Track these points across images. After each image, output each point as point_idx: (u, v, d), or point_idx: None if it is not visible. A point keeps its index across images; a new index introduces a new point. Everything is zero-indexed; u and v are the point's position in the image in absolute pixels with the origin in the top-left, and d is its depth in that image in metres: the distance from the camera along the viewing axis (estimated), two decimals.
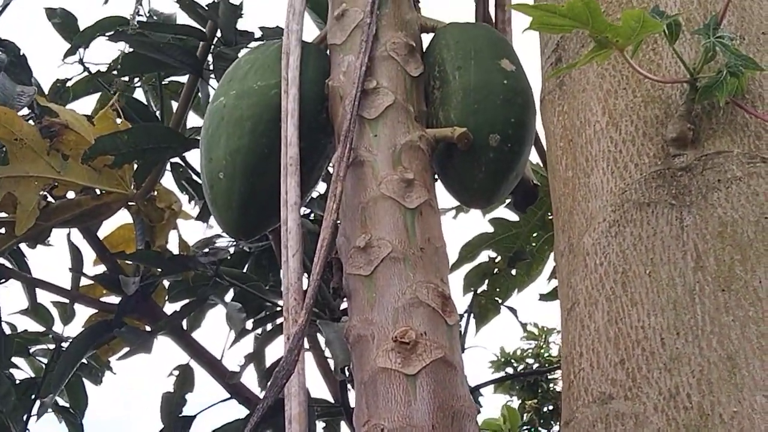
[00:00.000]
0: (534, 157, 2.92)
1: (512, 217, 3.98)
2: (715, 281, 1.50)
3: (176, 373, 3.86)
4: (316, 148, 2.32)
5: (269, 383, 1.74)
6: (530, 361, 7.45)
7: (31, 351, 4.14)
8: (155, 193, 3.65)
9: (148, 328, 3.81)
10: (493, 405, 8.48)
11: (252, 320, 3.78)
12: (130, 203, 3.60)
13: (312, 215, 3.82)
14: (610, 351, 1.54)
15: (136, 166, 3.37)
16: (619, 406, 1.49)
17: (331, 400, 3.90)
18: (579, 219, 1.74)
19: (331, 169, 2.20)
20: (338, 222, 2.07)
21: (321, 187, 3.39)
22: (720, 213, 1.55)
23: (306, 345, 4.06)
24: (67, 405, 4.07)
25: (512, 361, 7.52)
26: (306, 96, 2.27)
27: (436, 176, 2.33)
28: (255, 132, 2.27)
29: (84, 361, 3.92)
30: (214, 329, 4.22)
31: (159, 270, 3.66)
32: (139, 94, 4.07)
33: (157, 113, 3.91)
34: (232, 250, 4.01)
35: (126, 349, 3.79)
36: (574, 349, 1.62)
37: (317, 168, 2.37)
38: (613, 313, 1.57)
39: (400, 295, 1.96)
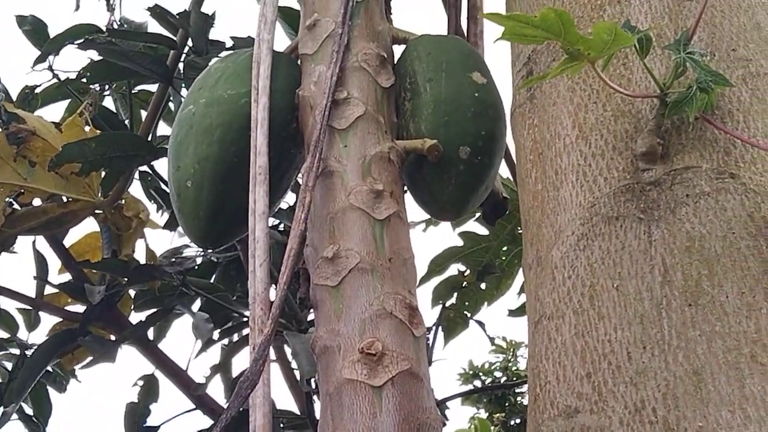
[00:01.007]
0: (504, 170, 2.92)
1: (482, 230, 3.99)
2: (682, 296, 1.50)
3: (141, 383, 3.83)
4: (286, 157, 2.30)
5: (233, 393, 1.73)
6: (498, 374, 7.47)
7: None
8: (123, 201, 3.62)
9: (113, 338, 3.78)
10: (461, 418, 8.47)
11: (218, 330, 3.76)
12: (97, 211, 3.57)
13: (281, 226, 3.80)
14: (577, 364, 1.54)
15: (103, 174, 3.35)
16: (585, 420, 1.48)
17: (298, 412, 3.88)
18: (547, 232, 1.73)
19: (300, 180, 2.19)
20: (306, 232, 2.06)
21: (290, 198, 3.37)
22: (688, 228, 1.56)
23: (273, 356, 4.06)
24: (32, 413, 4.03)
25: (480, 374, 7.54)
26: (276, 105, 2.26)
27: (406, 188, 2.32)
28: (224, 140, 2.26)
29: (49, 369, 3.89)
30: (180, 340, 4.20)
31: (125, 279, 3.63)
32: (108, 103, 4.04)
33: (126, 122, 3.88)
34: (199, 260, 4.00)
35: (90, 359, 3.76)
36: (541, 363, 1.62)
37: (286, 178, 2.35)
38: (580, 326, 1.57)
39: (368, 306, 1.95)
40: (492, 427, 7.00)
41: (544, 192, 1.78)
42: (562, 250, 1.67)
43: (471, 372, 7.54)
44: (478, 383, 7.44)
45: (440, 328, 4.20)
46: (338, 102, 2.20)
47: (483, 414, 7.17)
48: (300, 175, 2.29)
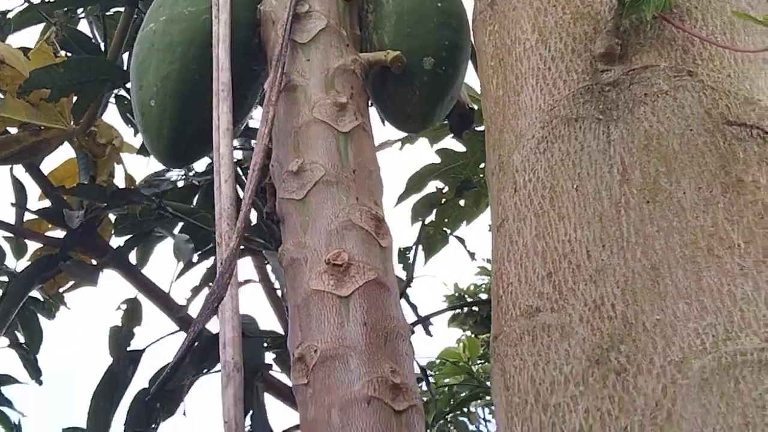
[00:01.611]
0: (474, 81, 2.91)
1: (459, 147, 3.98)
2: (641, 193, 1.50)
3: (124, 307, 3.85)
4: (249, 74, 2.29)
5: (201, 307, 1.74)
6: (484, 296, 7.50)
7: None
8: (96, 128, 3.60)
9: (94, 263, 3.78)
10: (449, 340, 8.55)
11: (199, 253, 3.76)
12: (71, 139, 3.56)
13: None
14: (538, 265, 1.55)
15: (75, 100, 3.33)
16: (546, 318, 1.49)
17: (281, 332, 3.91)
18: (509, 137, 1.73)
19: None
20: (271, 147, 2.05)
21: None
22: (646, 126, 1.55)
23: (256, 278, 4.08)
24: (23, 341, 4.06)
25: (466, 296, 7.56)
26: (237, 21, 2.24)
27: (371, 102, 2.32)
28: (186, 58, 2.24)
29: (38, 297, 3.92)
30: (162, 265, 4.21)
31: (103, 204, 3.62)
32: (84, 27, 3.99)
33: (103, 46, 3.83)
34: (181, 184, 3.99)
35: (71, 283, 3.77)
36: (503, 265, 1.62)
37: (250, 95, 2.35)
38: (541, 228, 1.57)
39: (333, 218, 1.96)
40: (480, 347, 7.06)
41: (505, 97, 1.77)
42: (523, 153, 1.67)
43: (457, 294, 7.57)
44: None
45: (420, 246, 4.22)
46: (300, 16, 2.18)
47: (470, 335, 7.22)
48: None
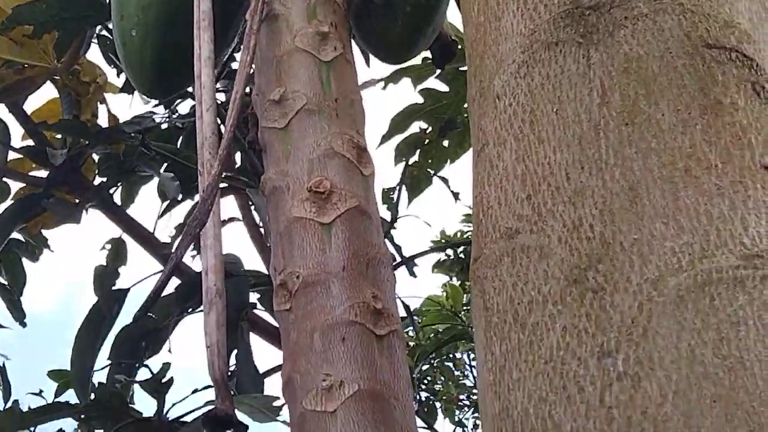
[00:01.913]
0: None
1: (443, 87, 3.97)
2: (620, 116, 1.50)
3: (108, 246, 3.85)
4: (230, 4, 2.28)
5: (183, 233, 1.74)
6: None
7: None
8: (79, 66, 3.59)
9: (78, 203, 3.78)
10: (433, 288, 8.57)
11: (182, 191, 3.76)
12: (55, 77, 3.54)
13: None
14: (518, 188, 1.55)
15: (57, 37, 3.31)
16: (525, 240, 1.50)
17: (266, 272, 3.91)
18: (489, 63, 1.73)
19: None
20: (252, 75, 2.05)
21: None
22: (626, 49, 1.55)
23: (240, 216, 4.08)
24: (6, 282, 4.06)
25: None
26: None
27: (354, 34, 2.31)
28: None
29: (21, 238, 3.91)
30: (147, 208, 4.21)
31: (86, 143, 3.61)
32: None
33: None
34: (165, 127, 3.98)
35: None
36: (484, 189, 1.63)
37: (233, 27, 2.34)
38: (521, 151, 1.57)
39: (315, 146, 1.96)
40: (465, 296, 7.09)
41: (486, 23, 1.77)
42: (504, 78, 1.67)
43: (443, 241, 7.58)
44: (450, 252, 7.48)
45: (404, 186, 4.22)
46: None
47: (455, 282, 7.24)
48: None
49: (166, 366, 3.38)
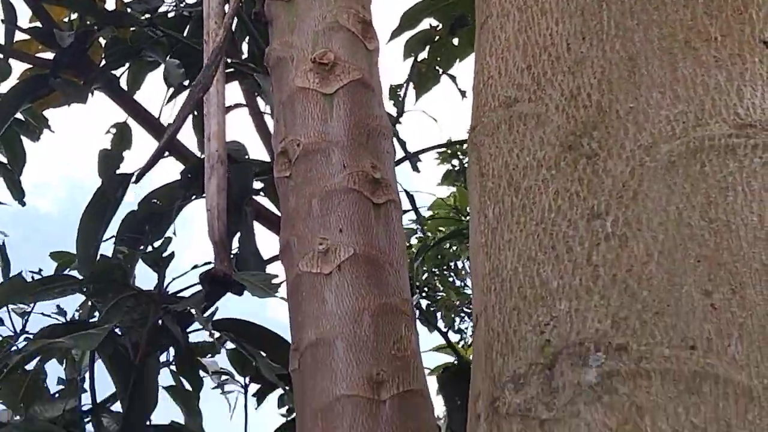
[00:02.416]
0: None
1: None
2: None
3: (113, 131, 3.85)
4: None
5: (186, 97, 1.76)
6: None
7: None
8: None
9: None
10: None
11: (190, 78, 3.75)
12: None
13: None
14: (518, 58, 1.56)
15: None
16: (523, 108, 1.51)
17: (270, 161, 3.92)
18: None
19: None
20: None
21: None
22: None
23: (244, 101, 4.08)
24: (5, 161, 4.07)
25: (459, 153, 7.56)
26: None
27: None
28: None
29: (21, 118, 3.90)
30: (153, 96, 4.21)
31: (94, 24, 3.60)
32: None
33: None
34: (172, 14, 3.96)
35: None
36: (485, 60, 1.64)
37: None
38: (523, 22, 1.58)
39: (321, 19, 1.97)
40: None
41: None
42: None
43: (450, 151, 7.56)
44: (456, 162, 7.46)
45: (412, 83, 4.22)
46: None
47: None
48: None
49: (167, 240, 3.40)
